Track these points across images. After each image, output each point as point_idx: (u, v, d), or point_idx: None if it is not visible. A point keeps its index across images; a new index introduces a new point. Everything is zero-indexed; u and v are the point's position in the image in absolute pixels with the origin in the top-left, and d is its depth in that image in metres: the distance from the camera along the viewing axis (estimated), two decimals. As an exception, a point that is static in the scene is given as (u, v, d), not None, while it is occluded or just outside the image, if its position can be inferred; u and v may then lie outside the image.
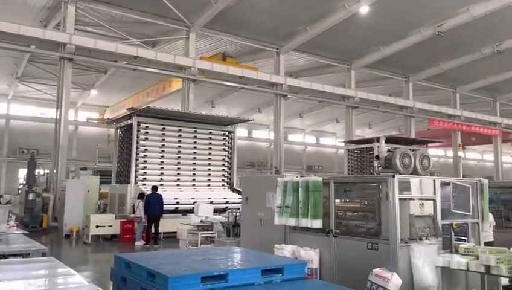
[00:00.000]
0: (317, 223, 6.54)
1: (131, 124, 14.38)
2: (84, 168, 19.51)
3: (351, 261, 6.12)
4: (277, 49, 17.51)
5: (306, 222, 6.60)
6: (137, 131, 14.38)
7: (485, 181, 6.91)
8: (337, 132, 34.80)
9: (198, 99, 21.49)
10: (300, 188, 6.79)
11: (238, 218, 9.34)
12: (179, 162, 15.13)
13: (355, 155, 14.81)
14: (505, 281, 5.72)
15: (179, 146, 15.19)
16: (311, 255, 6.41)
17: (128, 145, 14.72)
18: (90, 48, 14.33)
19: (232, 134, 16.39)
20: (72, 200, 13.40)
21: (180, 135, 15.21)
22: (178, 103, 16.71)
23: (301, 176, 7.04)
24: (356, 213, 7.25)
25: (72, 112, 23.77)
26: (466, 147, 34.28)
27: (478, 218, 6.62)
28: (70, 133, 21.38)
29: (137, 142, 14.38)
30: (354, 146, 15.03)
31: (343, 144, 19.54)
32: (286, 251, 6.60)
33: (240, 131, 27.44)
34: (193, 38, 15.93)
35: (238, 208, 9.75)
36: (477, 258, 5.16)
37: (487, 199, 6.84)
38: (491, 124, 23.96)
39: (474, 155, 44.29)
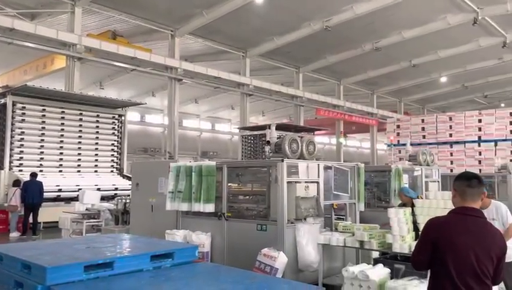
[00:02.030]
0: (210, 207, 6.61)
1: (5, 103, 12.98)
2: None
3: (241, 243, 6.30)
4: (172, 31, 17.03)
5: (199, 207, 6.62)
6: (13, 112, 13.04)
7: (362, 165, 7.63)
8: (233, 119, 35.31)
9: (85, 80, 20.03)
10: (193, 173, 6.77)
11: (127, 205, 8.99)
12: (61, 147, 14.03)
13: (249, 141, 15.23)
14: (375, 254, 6.40)
15: (62, 129, 14.09)
16: (202, 239, 6.46)
17: (1, 127, 13.23)
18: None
19: (123, 117, 15.66)
20: None
21: (63, 118, 14.10)
22: (62, 82, 15.36)
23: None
24: (248, 196, 7.47)
25: None
26: (347, 135, 37.47)
27: (355, 198, 7.30)
28: None
29: (13, 124, 13.05)
30: (248, 132, 15.41)
31: (238, 131, 19.89)
32: (178, 236, 6.56)
33: (132, 115, 26.37)
34: (79, 13, 14.70)
35: (128, 195, 9.40)
36: (353, 234, 5.68)
37: (363, 181, 7.56)
38: (369, 115, 26.43)
39: (354, 142, 48.60)
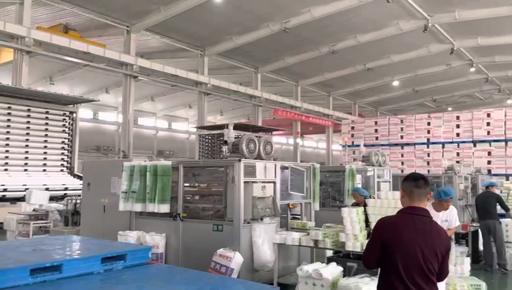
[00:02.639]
0: (165, 208, 6.50)
1: None
2: None
3: (197, 243, 6.24)
4: (128, 27, 16.59)
5: (153, 207, 6.49)
6: (-49, 106, 12.26)
7: (317, 165, 7.77)
8: (190, 118, 34.90)
9: (34, 74, 19.13)
10: (148, 173, 6.63)
11: (78, 205, 8.67)
12: (7, 144, 13.29)
13: (207, 141, 15.08)
14: (329, 253, 6.53)
15: (8, 126, 13.34)
16: (156, 240, 6.34)
17: None
18: None
19: (74, 114, 15.06)
20: None
21: (9, 113, 13.35)
22: (9, 76, 14.57)
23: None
24: (204, 197, 7.41)
25: None
26: (304, 135, 38.09)
27: (310, 198, 7.42)
28: None
29: (-49, 120, 12.26)
30: (205, 132, 15.24)
31: (195, 130, 19.68)
32: (131, 237, 6.40)
33: (84, 112, 25.50)
34: (29, 4, 13.99)
35: (79, 195, 9.07)
36: (308, 234, 5.77)
37: (318, 181, 7.70)
38: (325, 116, 26.97)
39: (311, 143, 49.47)
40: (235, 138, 6.67)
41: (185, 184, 6.96)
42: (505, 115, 15.64)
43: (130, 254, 3.22)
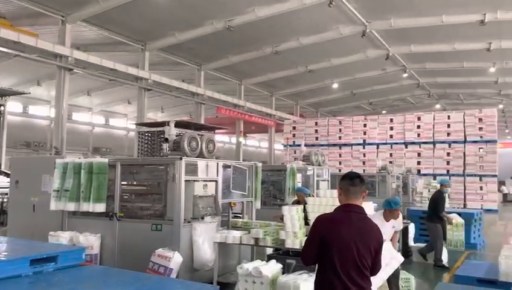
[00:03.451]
0: (100, 207, 6.24)
1: None
2: None
3: (135, 244, 6.05)
4: (63, 17, 15.69)
5: (88, 206, 6.20)
6: None
7: (259, 164, 7.83)
8: (129, 114, 33.80)
9: (-43, 63, 17.61)
10: (82, 170, 6.32)
11: (5, 204, 8.09)
12: None
13: (147, 138, 14.65)
14: (269, 250, 6.61)
15: None
16: (91, 241, 6.07)
17: None
18: None
19: (2, 108, 14.02)
20: None
21: None
22: None
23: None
24: (143, 195, 7.21)
25: None
26: (247, 134, 38.33)
27: (252, 197, 7.47)
28: None
29: None
30: (145, 129, 14.79)
31: (134, 126, 19.10)
32: (63, 238, 6.08)
33: (13, 105, 23.89)
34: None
35: (6, 193, 8.47)
36: (249, 232, 5.80)
37: (260, 180, 7.77)
38: (267, 116, 27.29)
39: (254, 142, 49.90)
40: (177, 135, 6.55)
41: (123, 182, 6.72)
42: (434, 119, 16.77)
43: (62, 255, 3.08)
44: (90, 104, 30.59)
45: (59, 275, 2.91)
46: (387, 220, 5.52)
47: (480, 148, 15.67)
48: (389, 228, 5.53)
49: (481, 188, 15.30)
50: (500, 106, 29.72)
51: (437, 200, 8.65)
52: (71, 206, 6.32)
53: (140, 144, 10.38)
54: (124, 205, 6.57)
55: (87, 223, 6.48)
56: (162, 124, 7.14)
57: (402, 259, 5.15)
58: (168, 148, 6.28)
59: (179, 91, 21.17)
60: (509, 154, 55.01)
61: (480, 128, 15.74)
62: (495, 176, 15.53)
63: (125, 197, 6.78)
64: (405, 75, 23.79)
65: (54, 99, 17.73)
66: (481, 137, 15.69)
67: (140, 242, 5.98)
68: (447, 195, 9.84)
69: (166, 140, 6.32)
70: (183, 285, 3.88)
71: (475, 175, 15.54)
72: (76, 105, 28.52)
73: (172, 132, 6.43)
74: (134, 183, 7.27)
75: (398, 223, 5.84)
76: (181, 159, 5.89)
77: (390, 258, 4.94)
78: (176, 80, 20.41)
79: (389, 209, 5.53)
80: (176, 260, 5.36)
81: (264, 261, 5.26)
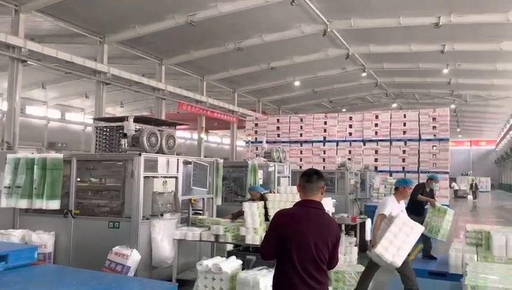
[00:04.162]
0: (55, 204, 6.03)
1: None
2: None
3: (91, 242, 5.89)
4: (16, 6, 14.93)
5: (41, 203, 5.98)
6: None
7: (221, 161, 7.81)
8: (86, 108, 32.79)
9: None
10: (36, 166, 6.08)
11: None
12: None
13: (105, 133, 14.23)
14: (230, 247, 6.62)
15: None
16: (44, 239, 5.85)
17: None
18: None
19: None
20: None
21: None
22: None
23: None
24: (100, 192, 7.01)
25: None
26: (209, 130, 38.08)
27: (213, 193, 7.44)
28: None
29: None
30: (103, 124, 14.36)
31: (92, 121, 18.49)
32: (14, 236, 5.83)
33: (-39, 97, 22.62)
34: None
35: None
36: (210, 229, 5.78)
37: (221, 176, 7.75)
38: (230, 112, 27.23)
39: (216, 138, 49.68)
40: (136, 131, 6.42)
41: (79, 179, 6.51)
42: (391, 117, 17.27)
43: (13, 254, 2.98)
44: (45, 97, 29.38)
45: (9, 275, 2.82)
46: (398, 201, 5.72)
47: (433, 146, 16.30)
48: (400, 208, 5.72)
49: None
50: (452, 106, 31.11)
51: (416, 188, 8.54)
52: (23, 204, 6.07)
53: (98, 139, 10.08)
54: (79, 202, 6.37)
55: (40, 220, 6.24)
56: (121, 119, 6.97)
57: (422, 228, 5.59)
58: (126, 144, 6.14)
59: (139, 86, 20.71)
60: (460, 152, 57.91)
61: (434, 127, 16.37)
62: (447, 173, 16.21)
63: (81, 194, 6.57)
64: (364, 74, 24.43)
65: (6, 92, 16.88)
66: (434, 135, 16.31)
67: (96, 240, 5.83)
68: (435, 191, 9.58)
69: (125, 135, 6.18)
70: (140, 283, 3.82)
71: (428, 172, 16.13)
72: (30, 98, 27.32)
73: (131, 127, 6.29)
74: (91, 179, 7.06)
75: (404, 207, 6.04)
76: (140, 155, 5.78)
77: (411, 229, 5.23)
78: (136, 74, 19.94)
79: (403, 187, 5.77)
80: (133, 257, 5.26)
81: (224, 258, 5.26)
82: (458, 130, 48.23)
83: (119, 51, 19.42)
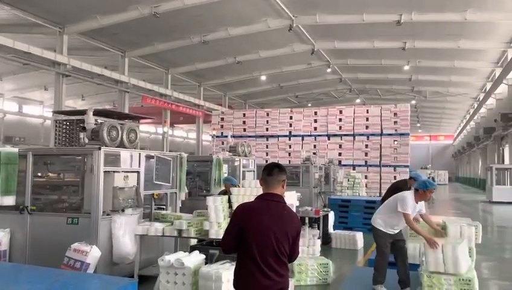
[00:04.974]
0: (9, 200, 5.81)
1: None
2: None
3: (48, 238, 5.70)
4: (-31, -8, 14.21)
5: (-6, 200, 5.71)
6: None
7: (184, 155, 7.72)
8: (45, 101, 31.61)
9: None
10: (-12, 161, 5.79)
11: None
12: None
13: (65, 127, 13.73)
14: (193, 241, 6.57)
15: None
16: (-2, 237, 5.61)
17: None
18: None
19: None
20: None
21: None
22: None
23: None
24: (58, 187, 6.78)
25: None
26: (175, 125, 37.56)
27: (176, 188, 7.35)
28: None
29: None
30: (63, 117, 13.86)
31: (51, 114, 17.82)
32: (-35, 234, 5.55)
33: None
34: None
35: None
36: (173, 224, 5.71)
37: (185, 171, 7.67)
38: (195, 106, 26.95)
39: (181, 133, 49.12)
40: (96, 124, 6.24)
41: (36, 174, 6.28)
42: (354, 113, 17.66)
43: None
44: (2, 89, 28.11)
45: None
46: (416, 202, 5.31)
47: (394, 140, 16.80)
48: (415, 210, 5.37)
49: (395, 177, 16.44)
50: (413, 102, 32.12)
51: (402, 184, 8.05)
52: (-25, 200, 5.78)
53: (58, 133, 9.75)
54: (36, 197, 6.14)
55: (-6, 217, 5.97)
56: (82, 112, 6.75)
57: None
58: (85, 138, 5.96)
59: (101, 78, 20.13)
60: (420, 146, 59.94)
61: (395, 122, 16.87)
62: (407, 166, 16.76)
63: (38, 189, 6.33)
64: (329, 70, 24.77)
65: (-44, 83, 16.03)
66: (396, 130, 16.81)
67: (54, 237, 5.64)
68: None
69: (84, 129, 6.00)
70: (100, 279, 3.73)
71: (390, 166, 16.67)
72: (-15, 90, 26.07)
73: (90, 120, 6.11)
74: (49, 174, 6.81)
75: (421, 206, 5.52)
76: (99, 149, 5.62)
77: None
78: (98, 66, 19.36)
79: (423, 190, 5.25)
80: (93, 254, 5.13)
81: (187, 253, 5.21)
82: (418, 125, 49.86)
83: (80, 42, 18.80)
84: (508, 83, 23.35)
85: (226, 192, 7.09)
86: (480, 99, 30.00)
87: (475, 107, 33.38)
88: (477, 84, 28.61)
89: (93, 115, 6.35)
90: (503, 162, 27.50)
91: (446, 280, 4.68)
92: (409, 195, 5.35)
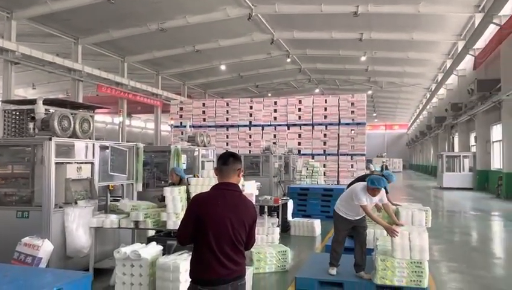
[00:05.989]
0: (-48, 195, 5.45)
1: None
2: None
3: (-4, 233, 5.43)
4: None
5: None
6: None
7: (141, 145, 7.56)
8: (-7, 90, 29.91)
9: None
10: None
11: None
12: None
13: (14, 117, 13.08)
14: (151, 233, 6.48)
15: None
16: None
17: None
18: None
19: None
20: None
21: None
22: None
23: None
24: (6, 180, 6.46)
25: None
26: (132, 115, 36.63)
27: (133, 179, 7.19)
28: None
29: None
30: (13, 107, 13.21)
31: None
32: None
33: None
34: None
35: None
36: (129, 215, 5.59)
37: (142, 162, 7.51)
38: (153, 95, 26.41)
39: (139, 123, 48.05)
40: (47, 114, 5.97)
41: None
42: (313, 102, 17.90)
43: None
44: None
45: None
46: (371, 194, 5.32)
47: (352, 130, 17.20)
48: (373, 201, 5.43)
49: (352, 166, 16.89)
50: (369, 92, 33.00)
51: (363, 179, 7.92)
52: None
53: (6, 123, 9.27)
54: (-18, 191, 5.83)
55: None
56: (33, 101, 6.44)
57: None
58: (35, 128, 5.69)
59: (53, 66, 19.30)
60: (376, 135, 61.85)
61: (352, 112, 17.26)
62: (363, 155, 17.24)
63: (-16, 182, 6.02)
64: (288, 60, 24.95)
65: None
66: (353, 120, 17.21)
67: (3, 231, 5.39)
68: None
69: (33, 118, 5.73)
70: (52, 273, 3.61)
71: (347, 154, 17.07)
72: None
73: (40, 109, 5.85)
74: (-4, 166, 6.48)
75: (382, 195, 5.49)
76: (50, 139, 5.40)
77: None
78: (50, 53, 18.54)
79: (370, 187, 5.27)
80: (45, 248, 4.95)
81: (144, 244, 5.13)
82: (374, 114, 51.38)
83: (30, 28, 17.90)
84: (458, 74, 24.43)
85: (174, 183, 6.84)
86: (433, 89, 31.25)
87: (428, 97, 34.76)
88: (429, 75, 29.75)
89: (44, 104, 6.07)
90: (453, 149, 28.87)
91: (399, 263, 4.88)
92: (359, 188, 5.44)
